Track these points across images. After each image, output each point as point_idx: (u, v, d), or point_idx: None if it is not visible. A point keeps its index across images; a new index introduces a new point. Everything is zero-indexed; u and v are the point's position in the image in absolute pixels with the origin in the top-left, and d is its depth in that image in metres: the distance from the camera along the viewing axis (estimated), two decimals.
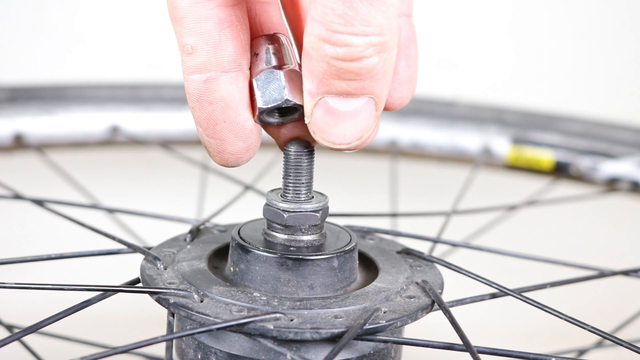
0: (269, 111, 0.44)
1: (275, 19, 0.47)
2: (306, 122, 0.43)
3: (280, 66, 0.44)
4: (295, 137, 0.46)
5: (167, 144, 0.80)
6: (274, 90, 0.44)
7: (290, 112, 0.45)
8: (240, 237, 0.46)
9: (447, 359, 0.53)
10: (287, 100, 0.44)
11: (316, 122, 0.42)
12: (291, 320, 0.42)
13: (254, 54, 0.45)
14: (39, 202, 0.59)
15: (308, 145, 0.46)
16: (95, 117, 0.80)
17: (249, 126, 0.45)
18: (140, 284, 0.47)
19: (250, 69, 0.45)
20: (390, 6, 0.40)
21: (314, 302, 0.44)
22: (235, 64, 0.44)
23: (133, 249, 0.49)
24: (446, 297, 0.47)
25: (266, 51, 0.45)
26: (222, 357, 0.44)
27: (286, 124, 0.46)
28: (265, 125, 0.46)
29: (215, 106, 0.44)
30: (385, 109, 0.45)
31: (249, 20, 0.45)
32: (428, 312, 0.45)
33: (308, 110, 0.42)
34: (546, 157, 0.79)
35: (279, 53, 0.45)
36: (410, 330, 0.47)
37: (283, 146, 0.47)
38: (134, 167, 0.96)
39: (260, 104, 0.44)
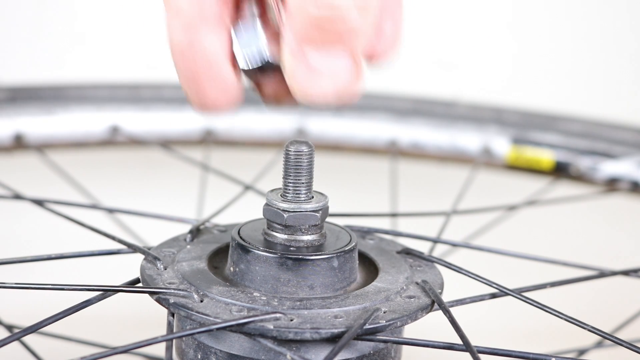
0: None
1: None
2: (285, 78, 0.43)
3: (261, 17, 0.45)
4: (277, 94, 0.46)
5: (167, 144, 0.80)
6: (255, 48, 0.44)
7: (273, 69, 0.45)
8: (240, 237, 0.46)
9: (447, 359, 0.53)
10: (268, 62, 0.44)
11: (295, 78, 0.43)
12: (291, 320, 0.42)
13: (235, 5, 0.45)
14: (39, 202, 0.59)
15: (308, 145, 0.46)
16: (95, 117, 0.80)
17: (231, 80, 0.45)
18: (140, 284, 0.47)
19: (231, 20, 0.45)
20: None
21: (314, 302, 0.44)
22: (218, 17, 0.44)
23: (133, 249, 0.49)
24: (446, 297, 0.47)
25: (248, 3, 0.45)
26: (222, 357, 0.44)
27: (268, 80, 0.46)
28: (247, 76, 0.46)
29: (198, 63, 0.44)
30: (370, 62, 0.46)
31: None
32: (428, 312, 0.45)
33: (288, 67, 0.43)
34: (546, 157, 0.79)
35: (261, 6, 0.45)
36: (410, 330, 0.47)
37: (266, 101, 0.47)
38: (134, 167, 0.96)
39: (242, 64, 0.44)
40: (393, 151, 0.81)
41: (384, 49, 0.47)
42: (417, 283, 0.47)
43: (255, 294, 0.44)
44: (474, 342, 0.42)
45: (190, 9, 0.43)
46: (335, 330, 0.42)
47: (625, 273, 0.54)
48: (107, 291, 0.45)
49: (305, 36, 0.42)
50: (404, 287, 0.46)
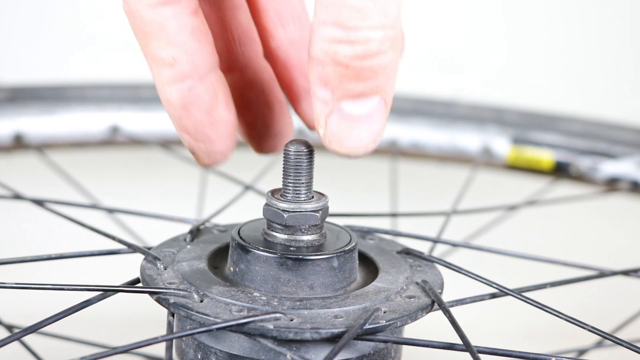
0: None
1: (244, 22, 0.48)
2: (320, 133, 0.42)
3: None
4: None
5: (167, 144, 0.80)
6: None
7: None
8: (240, 237, 0.46)
9: (447, 359, 0.53)
10: None
11: (332, 131, 0.42)
12: (291, 320, 0.42)
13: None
14: (39, 202, 0.59)
15: (308, 145, 0.46)
16: (95, 117, 0.80)
17: (233, 123, 0.45)
18: (140, 284, 0.47)
19: None
20: None
21: (314, 302, 0.44)
22: (212, 67, 0.44)
23: (133, 249, 0.49)
24: (446, 297, 0.47)
25: None
26: (222, 357, 0.44)
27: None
28: None
29: (202, 110, 0.44)
30: None
31: (221, 28, 0.47)
32: (428, 312, 0.45)
33: (321, 121, 0.42)
34: (546, 157, 0.79)
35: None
36: (410, 330, 0.47)
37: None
38: (134, 167, 0.96)
39: None
40: (393, 151, 0.81)
41: None
42: (417, 283, 0.47)
43: (255, 294, 0.45)
44: (474, 342, 0.42)
45: (187, 63, 0.43)
46: (335, 330, 0.42)
47: (625, 273, 0.54)
48: (107, 291, 0.45)
49: (342, 82, 0.41)
50: (404, 287, 0.46)
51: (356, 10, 0.39)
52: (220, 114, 0.45)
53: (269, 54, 0.49)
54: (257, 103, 0.48)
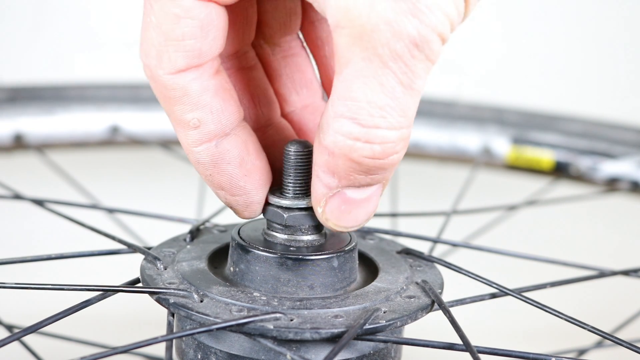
0: None
1: (261, 84, 0.48)
2: (317, 211, 0.43)
3: None
4: None
5: (167, 144, 0.80)
6: None
7: None
8: (240, 237, 0.46)
9: (447, 359, 0.53)
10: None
11: (331, 211, 0.43)
12: (291, 320, 0.42)
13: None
14: (39, 202, 0.59)
15: (308, 145, 0.46)
16: (95, 117, 0.80)
17: (267, 170, 0.45)
18: (140, 284, 0.47)
19: None
20: (420, 94, 0.40)
21: (314, 302, 0.44)
22: (237, 123, 0.44)
23: (133, 249, 0.49)
24: (446, 297, 0.47)
25: None
26: (222, 357, 0.44)
27: None
28: None
29: (233, 164, 0.44)
30: None
31: (240, 89, 0.47)
32: (428, 312, 0.45)
33: (322, 202, 0.43)
34: (546, 157, 0.79)
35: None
36: (410, 330, 0.47)
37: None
38: (134, 167, 0.96)
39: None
40: None
41: None
42: (417, 283, 0.47)
43: (255, 294, 0.44)
44: (474, 342, 0.42)
45: (213, 124, 0.43)
46: (335, 330, 0.42)
47: (625, 273, 0.54)
48: (107, 291, 0.45)
49: (349, 175, 0.41)
50: (404, 287, 0.46)
51: (378, 107, 0.39)
52: (253, 163, 0.45)
53: (285, 116, 0.49)
54: (281, 160, 0.48)
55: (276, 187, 0.47)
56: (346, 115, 0.39)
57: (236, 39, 0.46)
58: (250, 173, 0.45)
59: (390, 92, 0.39)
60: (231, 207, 0.46)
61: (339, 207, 0.42)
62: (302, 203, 0.46)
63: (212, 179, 0.44)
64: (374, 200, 0.43)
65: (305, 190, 0.46)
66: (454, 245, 0.56)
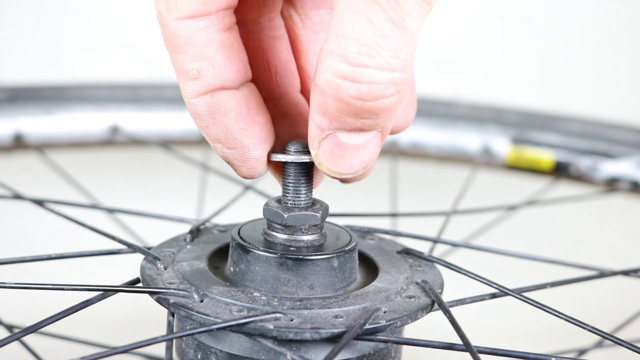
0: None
1: (283, 55, 0.47)
2: (312, 154, 0.43)
3: None
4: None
5: (167, 144, 0.80)
6: None
7: None
8: (240, 237, 0.46)
9: (447, 359, 0.53)
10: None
11: (324, 154, 0.42)
12: (291, 320, 0.42)
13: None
14: (39, 202, 0.59)
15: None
16: (95, 117, 0.80)
17: (268, 126, 0.45)
18: (140, 284, 0.47)
19: None
20: (415, 39, 0.39)
21: (314, 302, 0.44)
22: (240, 83, 0.44)
23: (133, 249, 0.49)
24: (446, 297, 0.47)
25: None
26: (222, 357, 0.44)
27: None
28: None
29: (229, 116, 0.44)
30: (391, 133, 0.45)
31: (258, 56, 0.46)
32: (428, 312, 0.45)
33: (315, 143, 0.42)
34: (546, 157, 0.79)
35: None
36: (410, 330, 0.47)
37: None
38: (134, 167, 0.96)
39: None
40: (393, 151, 0.81)
41: (404, 115, 0.47)
42: (417, 283, 0.47)
43: (255, 294, 0.44)
44: (474, 342, 0.42)
45: (213, 77, 0.43)
46: (335, 330, 0.42)
47: (625, 273, 0.54)
48: (107, 291, 0.45)
49: (339, 116, 0.40)
50: (404, 287, 0.46)
51: (366, 45, 0.38)
52: (252, 118, 0.44)
53: (305, 93, 0.48)
54: (287, 134, 0.47)
55: (279, 148, 0.46)
56: (336, 52, 0.39)
57: (262, 4, 0.46)
58: (247, 126, 0.44)
59: (379, 29, 0.38)
60: (228, 162, 0.45)
61: (331, 150, 0.42)
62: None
63: (207, 130, 0.44)
64: (370, 149, 0.42)
65: (305, 190, 0.46)
66: (454, 245, 0.56)
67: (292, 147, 0.46)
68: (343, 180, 0.45)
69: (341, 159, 0.42)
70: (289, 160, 0.45)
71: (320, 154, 0.42)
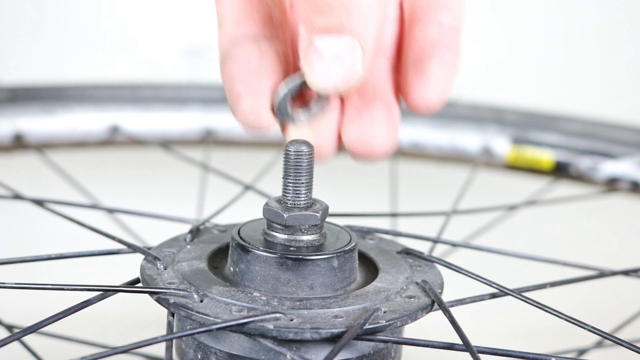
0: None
1: None
2: (301, 64, 0.44)
3: None
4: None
5: (167, 144, 0.80)
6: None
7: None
8: (240, 237, 0.46)
9: (447, 359, 0.53)
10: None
11: (308, 64, 0.44)
12: (291, 320, 0.42)
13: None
14: (39, 202, 0.59)
15: (308, 145, 0.46)
16: (95, 117, 0.80)
17: (266, 85, 0.46)
18: (140, 284, 0.47)
19: None
20: None
21: (313, 302, 0.44)
22: (259, 36, 0.46)
23: (133, 249, 0.49)
24: (446, 297, 0.47)
25: None
26: (222, 357, 0.44)
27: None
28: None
29: (236, 63, 0.46)
30: (412, 109, 0.48)
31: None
32: (428, 312, 0.45)
33: (302, 56, 0.44)
34: (546, 157, 0.79)
35: None
36: (410, 330, 0.47)
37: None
38: (134, 167, 0.96)
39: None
40: (393, 151, 0.81)
41: (424, 92, 0.47)
42: (417, 283, 0.47)
43: (255, 294, 0.45)
44: (474, 342, 0.42)
45: (232, 25, 0.46)
46: (335, 330, 0.42)
47: (625, 273, 0.54)
48: (107, 291, 0.45)
49: (307, 16, 0.43)
50: (404, 287, 0.46)
51: None
52: (256, 71, 0.46)
53: None
54: None
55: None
56: None
57: None
58: (250, 75, 0.46)
59: None
60: (232, 110, 0.47)
61: (312, 60, 0.44)
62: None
63: (221, 72, 0.47)
64: (346, 60, 0.43)
65: (305, 190, 0.46)
66: (454, 245, 0.56)
67: (291, 148, 0.46)
68: (353, 153, 0.46)
69: (320, 68, 0.44)
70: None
71: (304, 64, 0.44)
